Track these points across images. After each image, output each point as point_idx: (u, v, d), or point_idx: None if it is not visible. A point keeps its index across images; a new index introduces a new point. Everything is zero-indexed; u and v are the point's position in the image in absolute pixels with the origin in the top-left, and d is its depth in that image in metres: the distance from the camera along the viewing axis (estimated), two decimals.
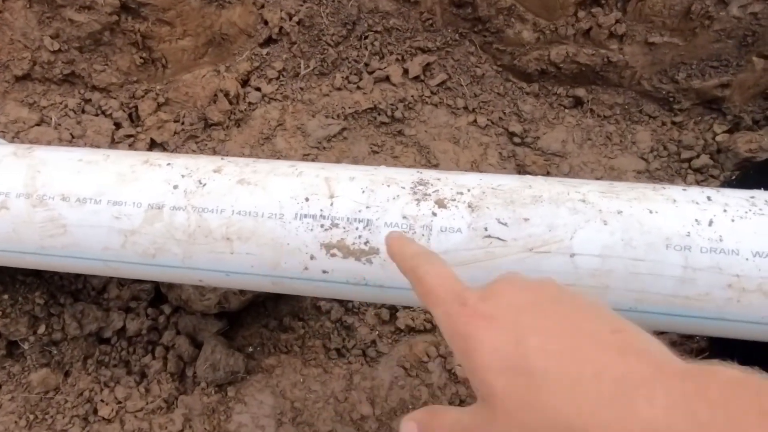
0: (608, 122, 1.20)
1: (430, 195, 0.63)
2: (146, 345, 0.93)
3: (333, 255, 0.63)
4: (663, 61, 1.15)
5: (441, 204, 0.62)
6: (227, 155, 1.12)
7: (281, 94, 1.16)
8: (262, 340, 0.97)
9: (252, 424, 0.88)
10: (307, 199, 0.64)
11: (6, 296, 0.91)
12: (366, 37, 1.19)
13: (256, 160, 0.70)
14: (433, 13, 1.20)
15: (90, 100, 1.09)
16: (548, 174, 1.15)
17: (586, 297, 0.36)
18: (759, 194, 0.61)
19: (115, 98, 1.10)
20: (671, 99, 1.17)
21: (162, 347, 0.92)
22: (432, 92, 1.20)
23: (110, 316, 0.91)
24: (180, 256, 0.66)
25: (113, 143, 1.07)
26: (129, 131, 1.08)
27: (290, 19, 1.15)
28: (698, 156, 1.15)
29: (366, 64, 1.19)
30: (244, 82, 1.16)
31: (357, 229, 0.62)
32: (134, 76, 1.11)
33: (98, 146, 1.05)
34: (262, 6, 1.17)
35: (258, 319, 0.99)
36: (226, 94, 1.12)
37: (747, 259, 0.57)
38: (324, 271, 0.64)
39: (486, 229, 0.61)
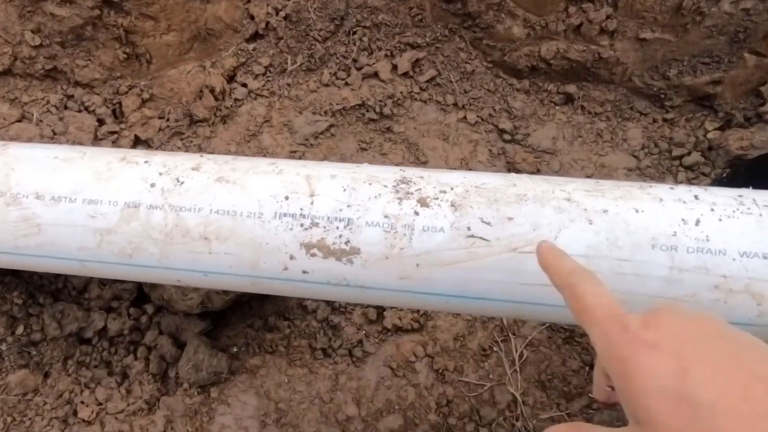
0: (599, 119, 1.19)
1: (412, 194, 0.62)
2: (128, 345, 0.91)
3: (313, 255, 0.62)
4: (654, 58, 1.14)
5: (423, 203, 0.61)
6: (213, 152, 1.10)
7: (268, 90, 1.14)
8: (247, 340, 0.96)
9: (235, 426, 0.87)
10: (287, 198, 0.63)
11: None
12: (354, 33, 1.18)
13: (235, 158, 0.69)
14: (422, 9, 1.19)
15: (72, 96, 1.08)
16: (538, 171, 1.13)
17: (748, 335, 0.37)
18: (747, 193, 0.60)
19: (98, 94, 1.08)
20: (662, 96, 1.16)
21: (144, 347, 0.91)
22: (421, 88, 1.19)
23: (91, 316, 0.89)
24: (157, 256, 0.65)
25: (96, 140, 1.05)
26: (112, 128, 1.07)
27: (277, 14, 1.14)
28: (689, 153, 1.13)
29: (354, 60, 1.18)
30: (230, 78, 1.14)
31: (338, 228, 0.61)
32: (118, 72, 1.09)
33: (81, 143, 1.03)
34: (248, 0, 1.15)
35: (243, 319, 0.98)
36: (212, 90, 1.10)
37: (734, 260, 0.55)
38: (304, 272, 0.63)
39: (469, 229, 0.59)
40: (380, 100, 1.15)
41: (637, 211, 0.58)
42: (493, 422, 0.91)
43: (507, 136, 1.17)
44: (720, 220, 0.57)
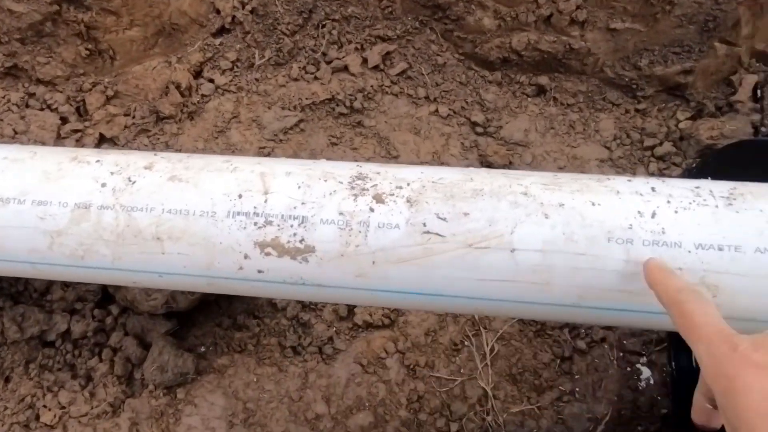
0: (571, 110, 1.18)
1: (368, 190, 0.61)
2: (92, 347, 0.90)
3: (268, 254, 0.60)
4: (625, 48, 1.13)
5: (379, 199, 0.60)
6: (181, 149, 1.09)
7: (235, 85, 1.12)
8: (215, 340, 0.95)
9: (202, 426, 0.86)
10: (240, 196, 0.61)
11: None
12: (323, 26, 1.16)
13: (190, 156, 0.67)
14: (392, 1, 1.17)
15: (34, 94, 1.05)
16: (510, 164, 1.13)
17: None
18: (704, 184, 0.59)
19: (61, 92, 1.06)
20: (634, 86, 1.15)
21: (109, 349, 0.89)
22: (392, 82, 1.17)
23: (54, 318, 0.88)
24: (110, 258, 0.63)
25: (59, 139, 1.03)
26: (76, 126, 1.04)
27: (243, 7, 1.12)
28: (661, 143, 1.13)
29: (324, 54, 1.16)
30: (197, 74, 1.13)
31: (292, 226, 0.60)
32: (81, 69, 1.07)
33: (43, 142, 1.01)
34: None
35: (211, 318, 0.96)
36: (178, 87, 1.08)
37: (689, 252, 0.55)
38: (259, 271, 0.61)
39: (425, 225, 0.58)
40: (350, 94, 1.14)
41: (593, 204, 0.58)
42: (463, 417, 0.91)
43: (479, 129, 1.16)
44: (676, 212, 0.57)
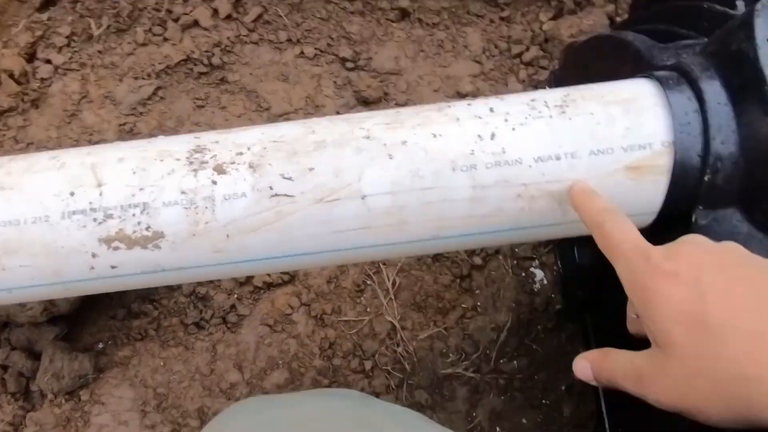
0: (438, 29, 1.16)
1: (207, 162, 0.58)
2: None
3: (116, 248, 0.57)
4: None
5: (220, 170, 0.57)
6: (33, 142, 1.00)
7: (77, 62, 1.03)
8: (113, 333, 0.92)
9: (114, 422, 0.84)
10: (72, 194, 0.57)
11: None
12: None
13: (11, 159, 0.61)
14: None
15: None
16: (386, 95, 1.11)
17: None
18: (539, 95, 0.60)
19: None
20: None
21: None
22: (249, 30, 1.11)
23: None
24: None
25: None
26: None
27: None
28: (528, 49, 1.14)
29: (168, 11, 1.08)
30: (30, 57, 1.02)
31: (134, 215, 0.57)
32: None
33: None
34: None
35: (103, 312, 0.93)
36: (11, 75, 0.98)
37: (530, 167, 0.56)
38: (113, 267, 0.58)
39: (271, 188, 0.57)
40: (207, 51, 1.07)
41: (434, 136, 0.57)
42: (375, 353, 0.93)
43: (350, 64, 1.13)
44: (513, 129, 0.57)
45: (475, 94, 1.11)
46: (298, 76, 1.11)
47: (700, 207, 0.57)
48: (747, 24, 0.54)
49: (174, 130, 1.04)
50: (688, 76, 0.58)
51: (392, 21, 1.16)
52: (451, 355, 0.93)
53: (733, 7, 0.68)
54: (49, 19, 1.02)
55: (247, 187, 0.57)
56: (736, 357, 0.35)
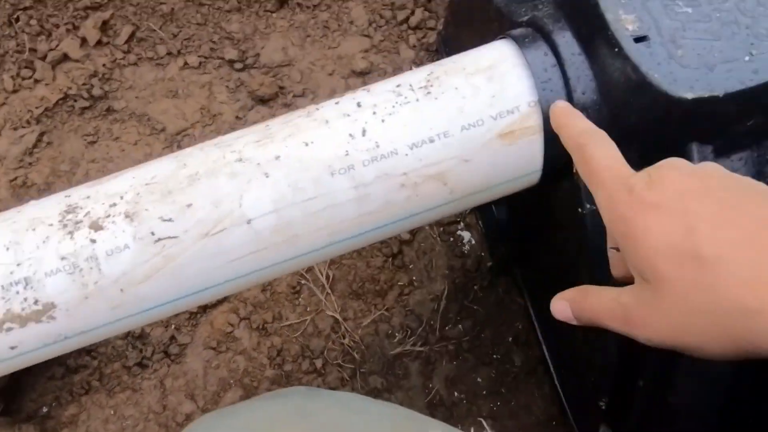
0: (320, 11, 1.14)
1: (82, 221, 0.56)
2: None
3: (10, 329, 0.55)
4: None
5: (96, 226, 0.55)
6: None
7: None
8: (55, 393, 0.90)
9: None
10: None
11: None
12: (17, 19, 1.01)
13: None
14: None
15: None
16: (282, 89, 1.09)
17: (749, 180, 0.37)
18: (404, 80, 0.59)
19: None
20: None
21: None
22: (124, 52, 1.06)
23: None
24: None
25: None
26: None
27: None
28: (413, 13, 1.12)
29: (33, 50, 1.02)
30: None
31: (18, 293, 0.54)
32: None
33: None
34: None
35: (40, 375, 0.90)
36: None
37: (406, 155, 0.56)
38: (12, 347, 0.56)
39: (153, 234, 0.55)
40: (84, 84, 1.02)
41: (306, 144, 0.56)
42: (324, 350, 0.94)
43: (238, 65, 1.10)
44: (383, 121, 0.57)
45: (370, 70, 1.09)
46: (188, 89, 1.07)
47: None
48: None
49: (70, 173, 1.00)
50: (542, 31, 0.58)
51: (271, 12, 1.12)
52: (397, 334, 0.95)
53: None
54: None
55: (128, 238, 0.55)
56: (735, 290, 0.33)
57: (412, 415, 0.54)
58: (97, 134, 1.02)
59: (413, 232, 1.00)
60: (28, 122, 0.99)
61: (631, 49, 0.51)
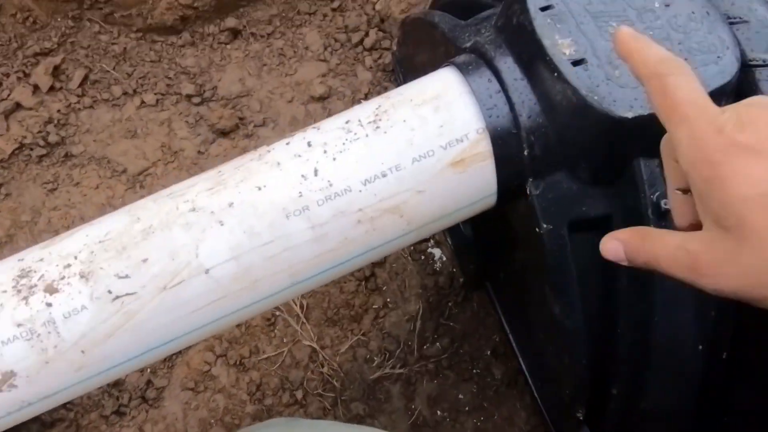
0: (274, 38, 1.14)
1: (36, 285, 0.55)
2: None
3: None
4: None
5: (51, 289, 0.55)
6: None
7: None
8: None
9: None
10: None
11: None
12: None
13: None
14: (28, 10, 1.02)
15: None
16: (242, 120, 1.08)
17: None
18: (352, 116, 0.59)
19: None
20: None
21: None
22: (79, 95, 1.05)
23: None
24: None
25: None
26: None
27: None
28: (367, 34, 1.13)
29: None
30: None
31: None
32: None
33: None
34: None
35: None
36: None
37: (360, 191, 0.56)
38: None
39: (110, 292, 0.54)
40: (40, 131, 1.01)
41: (259, 188, 0.56)
42: (303, 380, 0.93)
43: (196, 99, 1.09)
44: (335, 159, 0.57)
45: (329, 94, 1.09)
46: (147, 127, 1.06)
47: (531, 179, 0.58)
48: None
49: (32, 222, 0.99)
50: (484, 57, 0.59)
51: (225, 43, 1.12)
52: (375, 358, 0.95)
53: None
54: None
55: (85, 299, 0.54)
56: None
57: None
58: (57, 181, 1.01)
59: None
60: None
61: (570, 73, 0.52)
